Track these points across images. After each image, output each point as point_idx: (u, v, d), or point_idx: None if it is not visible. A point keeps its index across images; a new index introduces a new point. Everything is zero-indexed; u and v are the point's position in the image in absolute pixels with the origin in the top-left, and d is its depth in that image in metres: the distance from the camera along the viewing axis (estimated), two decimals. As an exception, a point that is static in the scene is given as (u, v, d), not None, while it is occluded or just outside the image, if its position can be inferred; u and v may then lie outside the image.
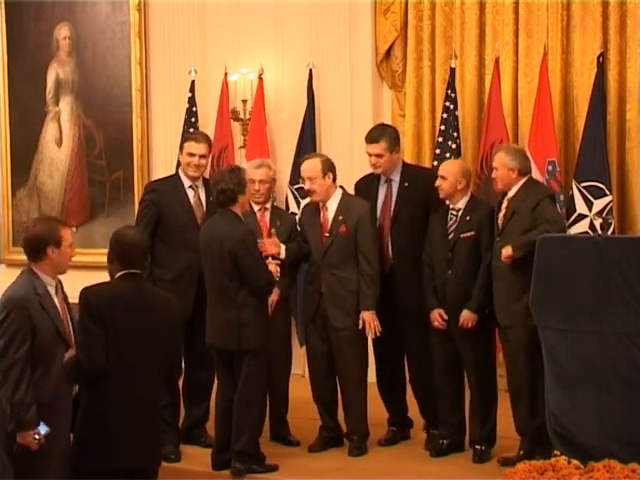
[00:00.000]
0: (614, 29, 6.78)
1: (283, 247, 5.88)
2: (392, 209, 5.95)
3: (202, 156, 6.10)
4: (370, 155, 5.94)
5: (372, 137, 5.97)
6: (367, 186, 6.11)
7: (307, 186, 5.87)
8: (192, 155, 6.04)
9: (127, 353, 4.11)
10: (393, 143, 5.97)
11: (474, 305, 5.59)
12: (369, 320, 5.74)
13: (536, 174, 6.44)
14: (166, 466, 4.73)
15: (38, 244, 4.20)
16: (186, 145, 6.11)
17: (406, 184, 5.96)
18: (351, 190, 6.15)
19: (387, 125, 6.51)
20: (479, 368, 5.68)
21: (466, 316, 5.59)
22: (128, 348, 4.11)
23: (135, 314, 4.15)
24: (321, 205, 5.89)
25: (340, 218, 5.81)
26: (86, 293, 4.14)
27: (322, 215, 5.88)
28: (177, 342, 4.45)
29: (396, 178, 5.99)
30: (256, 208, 6.11)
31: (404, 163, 6.17)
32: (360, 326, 5.76)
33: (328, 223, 5.85)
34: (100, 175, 8.59)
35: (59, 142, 8.74)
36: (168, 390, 5.53)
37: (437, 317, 5.68)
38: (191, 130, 7.68)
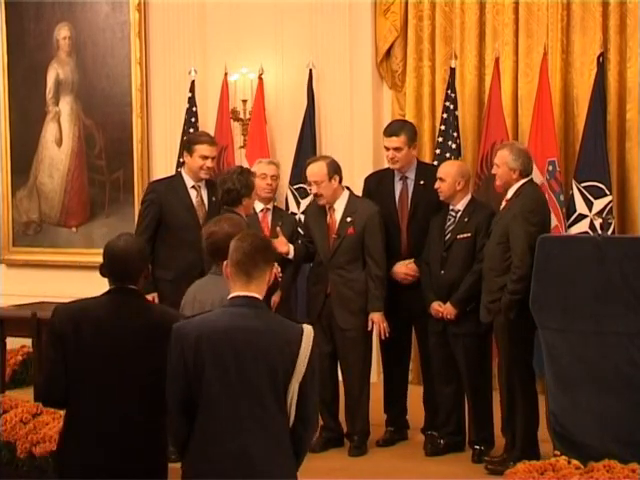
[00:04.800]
0: (614, 29, 6.78)
1: (291, 247, 5.90)
2: (409, 207, 5.96)
3: (213, 158, 6.14)
4: (388, 149, 5.94)
5: (392, 130, 5.98)
6: (378, 181, 6.12)
7: (313, 190, 5.87)
8: (205, 158, 6.05)
9: (100, 380, 3.63)
10: (412, 138, 5.99)
11: (454, 298, 5.64)
12: (378, 321, 5.76)
13: (536, 174, 6.43)
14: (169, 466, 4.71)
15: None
16: (199, 147, 6.07)
17: (422, 182, 5.97)
18: (356, 188, 6.17)
19: (406, 120, 6.58)
20: (472, 371, 5.68)
21: (446, 308, 5.66)
22: (100, 374, 3.63)
23: (110, 336, 3.64)
24: (327, 207, 5.90)
25: (348, 220, 5.81)
26: (54, 311, 3.76)
27: (329, 216, 5.88)
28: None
29: (411, 175, 6.00)
30: (258, 209, 6.12)
31: (418, 161, 6.19)
32: (370, 327, 5.77)
33: (335, 224, 5.86)
34: (100, 175, 8.59)
35: (59, 142, 8.74)
36: None
37: (437, 307, 5.71)
38: (191, 130, 7.68)
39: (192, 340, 3.29)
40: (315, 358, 3.33)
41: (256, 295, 3.38)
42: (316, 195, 5.88)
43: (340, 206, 5.88)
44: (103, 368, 3.64)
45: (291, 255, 5.88)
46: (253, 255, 3.38)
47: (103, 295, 3.79)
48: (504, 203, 5.58)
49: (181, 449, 3.40)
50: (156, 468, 3.79)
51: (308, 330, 3.35)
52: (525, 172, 5.53)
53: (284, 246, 5.84)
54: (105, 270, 3.80)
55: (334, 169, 5.85)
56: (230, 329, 3.30)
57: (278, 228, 5.98)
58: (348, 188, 6.02)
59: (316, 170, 5.86)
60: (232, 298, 3.39)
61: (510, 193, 5.53)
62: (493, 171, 5.69)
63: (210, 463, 3.26)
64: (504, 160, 5.54)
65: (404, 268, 5.92)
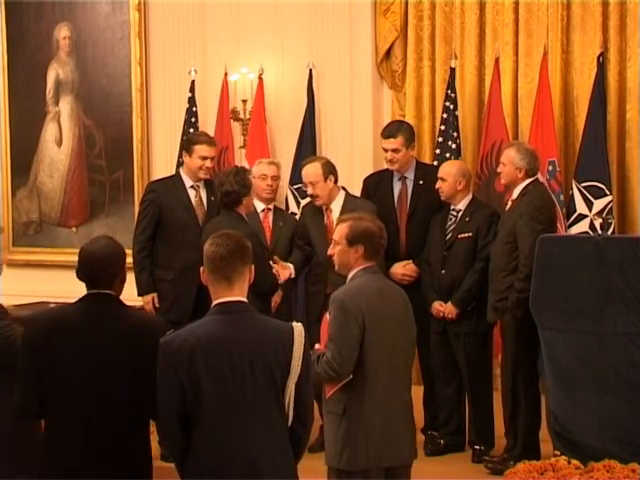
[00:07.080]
0: (614, 29, 6.79)
1: (291, 266, 5.93)
2: (408, 207, 5.97)
3: (212, 158, 6.16)
4: (386, 150, 5.99)
5: (389, 132, 6.03)
6: (377, 182, 6.15)
7: (310, 191, 5.91)
8: (205, 158, 6.06)
9: (77, 391, 3.46)
10: (409, 139, 6.02)
11: (455, 298, 5.66)
12: None
13: (536, 174, 6.46)
14: (166, 466, 4.72)
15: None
16: (198, 148, 6.09)
17: (421, 182, 6.01)
18: (357, 188, 6.17)
19: (403, 121, 6.59)
20: (472, 370, 5.70)
21: (447, 307, 5.68)
22: (77, 385, 3.46)
23: (82, 344, 3.47)
24: (324, 207, 5.91)
25: None
26: (29, 320, 3.62)
27: (326, 217, 5.90)
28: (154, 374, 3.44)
29: (410, 176, 6.03)
30: (259, 209, 6.13)
31: (417, 161, 6.21)
32: None
33: (333, 225, 5.85)
34: (100, 175, 8.58)
35: (59, 142, 8.74)
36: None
37: (438, 307, 5.71)
38: (191, 130, 7.69)
39: (185, 355, 3.20)
40: (308, 355, 3.30)
41: (241, 299, 3.33)
42: (312, 196, 5.91)
43: (337, 206, 5.89)
44: (79, 378, 3.46)
45: (293, 275, 5.92)
46: (230, 259, 3.31)
47: (77, 302, 3.60)
48: (510, 203, 5.59)
49: (180, 463, 3.35)
50: (146, 472, 3.64)
51: (298, 329, 3.31)
52: (531, 172, 5.56)
53: (285, 270, 5.89)
54: (80, 274, 3.63)
55: (329, 170, 5.88)
56: (223, 339, 3.23)
57: (275, 257, 5.95)
58: (344, 188, 6.02)
59: (311, 171, 5.90)
60: (218, 305, 3.31)
61: (516, 193, 5.54)
62: (499, 169, 5.70)
63: (218, 477, 3.20)
64: (510, 159, 5.56)
65: (401, 269, 5.93)
